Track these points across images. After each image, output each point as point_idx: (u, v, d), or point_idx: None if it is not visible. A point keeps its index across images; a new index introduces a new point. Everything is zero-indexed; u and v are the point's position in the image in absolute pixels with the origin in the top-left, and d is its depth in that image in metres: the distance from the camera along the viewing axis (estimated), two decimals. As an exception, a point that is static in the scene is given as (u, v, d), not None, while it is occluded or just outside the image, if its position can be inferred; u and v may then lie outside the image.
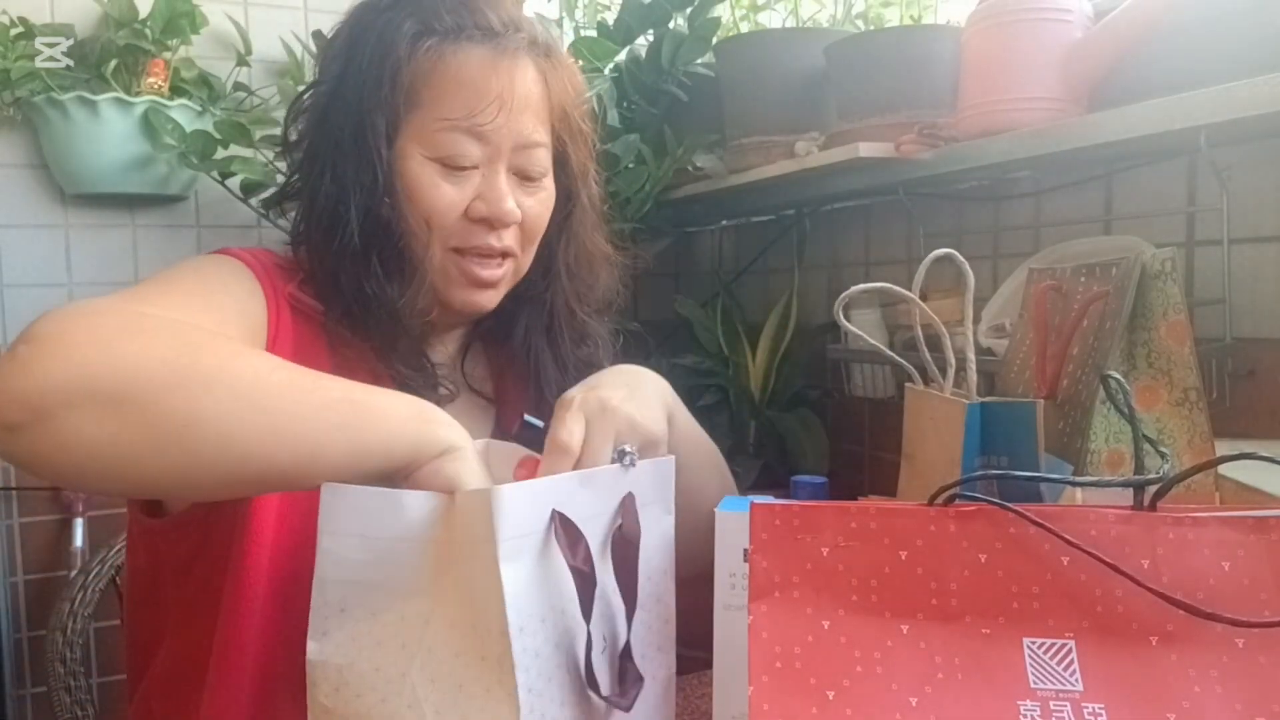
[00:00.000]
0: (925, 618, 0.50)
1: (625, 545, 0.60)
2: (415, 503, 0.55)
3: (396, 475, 0.59)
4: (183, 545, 0.76)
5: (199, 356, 0.56)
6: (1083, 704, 0.46)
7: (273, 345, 0.75)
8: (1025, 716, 0.46)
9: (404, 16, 0.79)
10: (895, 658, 0.49)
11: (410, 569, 0.55)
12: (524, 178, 0.82)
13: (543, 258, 0.89)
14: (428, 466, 0.58)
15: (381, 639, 0.54)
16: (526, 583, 0.53)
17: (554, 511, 0.55)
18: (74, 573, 1.30)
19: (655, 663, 0.63)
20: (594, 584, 0.56)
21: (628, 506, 0.61)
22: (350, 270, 0.79)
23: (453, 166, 0.79)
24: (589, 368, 0.91)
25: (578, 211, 0.90)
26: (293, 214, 0.86)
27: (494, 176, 0.80)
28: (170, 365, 0.54)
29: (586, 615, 0.56)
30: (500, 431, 0.87)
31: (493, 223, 0.80)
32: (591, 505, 0.59)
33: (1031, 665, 0.48)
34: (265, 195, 1.51)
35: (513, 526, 0.52)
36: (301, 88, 0.85)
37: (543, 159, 0.83)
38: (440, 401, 0.81)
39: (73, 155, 1.52)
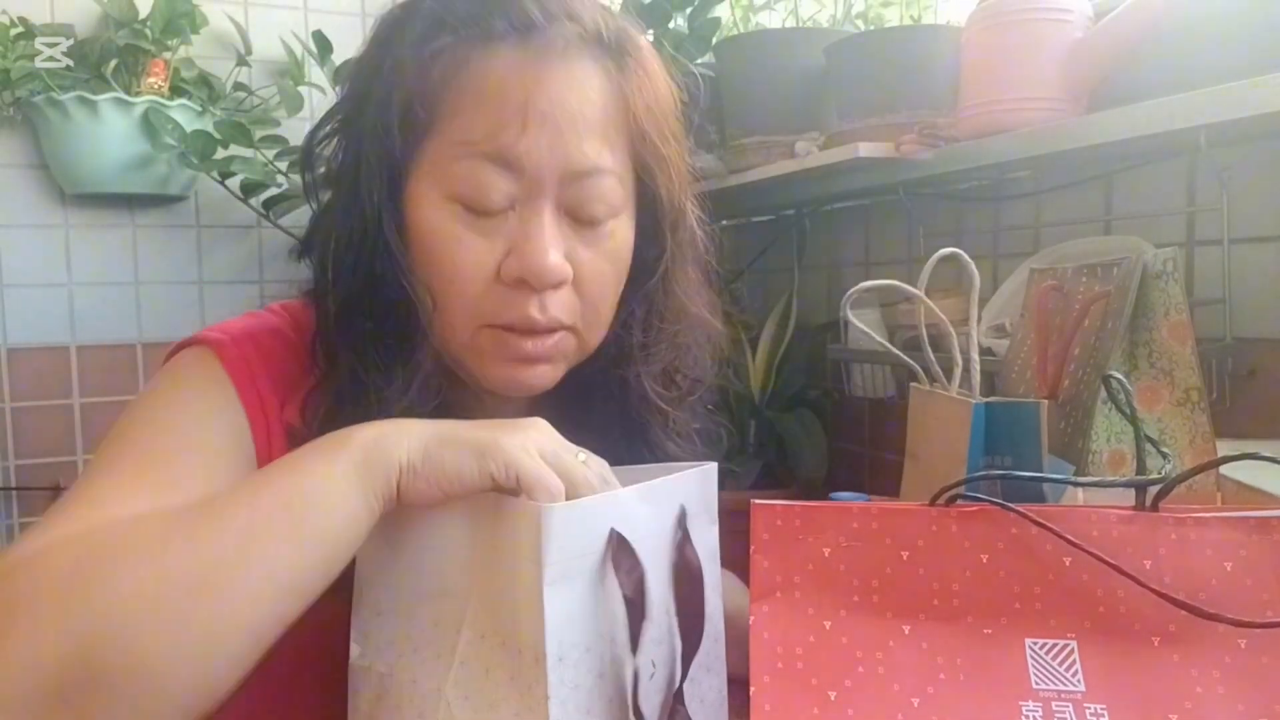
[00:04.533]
0: (927, 618, 0.50)
1: (690, 582, 0.54)
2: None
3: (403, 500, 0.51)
4: None
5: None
6: (1085, 705, 0.46)
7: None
8: (1027, 717, 0.46)
9: (416, 18, 0.61)
10: (897, 658, 0.49)
11: (442, 569, 0.53)
12: (581, 220, 0.61)
13: (617, 325, 0.67)
14: (409, 485, 0.50)
15: (417, 644, 0.53)
16: (574, 609, 0.49)
17: (613, 531, 0.50)
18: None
19: (704, 685, 0.58)
20: (643, 615, 0.51)
21: (684, 526, 0.55)
22: (349, 353, 0.62)
23: (478, 210, 0.59)
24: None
25: (665, 265, 0.67)
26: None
27: (533, 219, 0.59)
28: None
29: (634, 647, 0.51)
30: None
31: (531, 283, 0.59)
32: (650, 521, 0.54)
33: (1033, 666, 0.48)
34: (266, 195, 1.51)
35: (561, 550, 0.48)
36: (312, 125, 0.67)
37: (609, 192, 0.61)
38: None
39: (73, 155, 1.52)
